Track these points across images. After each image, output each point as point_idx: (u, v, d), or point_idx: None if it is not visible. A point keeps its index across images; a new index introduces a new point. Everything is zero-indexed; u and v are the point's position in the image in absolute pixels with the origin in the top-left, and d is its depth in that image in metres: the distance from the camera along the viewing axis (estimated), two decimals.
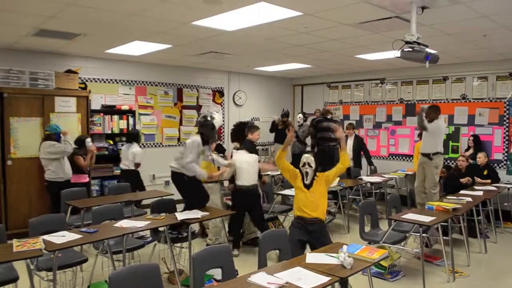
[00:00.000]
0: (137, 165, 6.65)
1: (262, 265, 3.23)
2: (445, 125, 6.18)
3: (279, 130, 8.51)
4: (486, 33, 5.18)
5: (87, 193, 5.77)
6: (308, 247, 3.93)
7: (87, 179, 6.15)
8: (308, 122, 8.36)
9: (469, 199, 5.31)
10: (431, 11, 4.13)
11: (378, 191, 7.68)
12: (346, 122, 9.36)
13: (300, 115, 8.70)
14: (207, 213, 4.50)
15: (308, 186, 3.93)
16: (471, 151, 7.14)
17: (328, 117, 7.64)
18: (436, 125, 6.01)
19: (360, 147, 8.25)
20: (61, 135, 5.71)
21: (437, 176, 6.08)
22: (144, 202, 6.27)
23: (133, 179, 6.50)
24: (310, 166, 3.92)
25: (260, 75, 9.81)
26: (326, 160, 7.53)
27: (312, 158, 3.94)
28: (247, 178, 5.34)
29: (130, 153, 6.58)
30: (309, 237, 3.87)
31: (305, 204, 3.90)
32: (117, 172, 7.04)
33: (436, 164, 6.01)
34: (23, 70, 6.04)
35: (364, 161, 8.26)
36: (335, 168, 4.02)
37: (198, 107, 8.81)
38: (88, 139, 6.08)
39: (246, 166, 5.36)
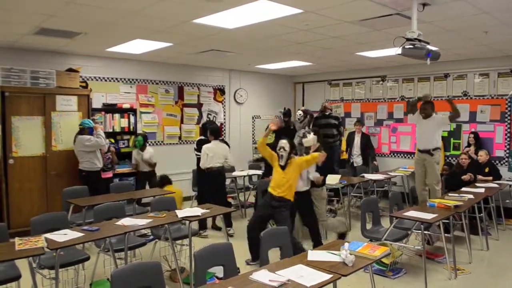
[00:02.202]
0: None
1: (263, 262, 3.24)
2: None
3: (281, 128, 8.47)
4: (487, 30, 5.16)
5: (108, 186, 6.02)
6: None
7: (110, 175, 6.70)
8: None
9: (471, 196, 5.30)
10: (432, 8, 4.12)
11: (380, 188, 7.67)
12: (347, 120, 9.40)
13: (300, 112, 8.68)
14: (207, 211, 4.51)
15: (283, 167, 4.66)
16: (472, 148, 7.14)
17: (327, 113, 7.62)
18: (434, 121, 5.95)
19: (366, 145, 8.28)
20: (96, 125, 6.20)
21: (438, 172, 6.01)
22: (146, 200, 6.28)
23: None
24: (285, 150, 4.65)
25: (261, 73, 9.80)
26: (326, 157, 7.55)
27: (288, 144, 4.65)
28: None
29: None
30: (271, 212, 4.67)
31: (278, 183, 4.66)
32: (119, 170, 7.10)
33: (437, 160, 5.94)
34: (24, 69, 6.04)
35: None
36: (306, 157, 4.73)
37: (199, 105, 8.80)
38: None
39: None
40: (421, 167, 6.06)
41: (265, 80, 10.01)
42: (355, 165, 8.33)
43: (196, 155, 6.35)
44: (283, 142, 4.68)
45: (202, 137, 6.49)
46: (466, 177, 6.43)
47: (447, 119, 5.89)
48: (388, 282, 4.43)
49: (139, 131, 7.65)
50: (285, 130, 8.40)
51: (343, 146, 8.70)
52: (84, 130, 6.04)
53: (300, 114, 8.55)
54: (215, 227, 6.39)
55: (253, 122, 9.85)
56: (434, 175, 5.93)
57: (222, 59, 7.57)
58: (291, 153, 4.69)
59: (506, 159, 7.18)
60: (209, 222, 6.49)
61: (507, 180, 6.66)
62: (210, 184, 6.03)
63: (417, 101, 6.02)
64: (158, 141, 8.15)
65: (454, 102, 5.95)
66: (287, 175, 4.64)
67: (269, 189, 4.76)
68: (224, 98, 9.28)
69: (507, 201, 6.63)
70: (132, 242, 4.24)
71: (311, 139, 5.15)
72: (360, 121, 8.57)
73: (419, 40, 4.00)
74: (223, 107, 9.26)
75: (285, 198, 4.65)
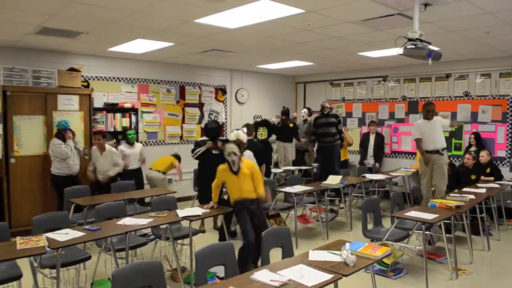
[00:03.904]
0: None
1: (264, 262, 3.24)
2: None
3: (279, 128, 8.49)
4: (489, 30, 5.15)
5: (108, 186, 5.97)
6: None
7: None
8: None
9: (472, 196, 5.30)
10: (434, 8, 4.11)
11: (381, 189, 7.67)
12: (349, 120, 9.39)
13: (305, 110, 8.69)
14: (208, 211, 4.52)
15: (236, 172, 4.41)
16: (473, 148, 7.13)
17: (326, 112, 7.62)
18: (439, 120, 5.95)
19: (379, 145, 8.28)
20: (69, 135, 5.89)
21: (447, 173, 5.96)
22: (147, 200, 6.30)
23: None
24: (235, 154, 4.37)
25: (262, 73, 9.80)
26: (325, 156, 7.56)
27: (236, 147, 4.42)
28: None
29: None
30: (251, 215, 4.39)
31: (241, 188, 4.40)
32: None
33: (446, 160, 5.92)
34: (26, 69, 6.05)
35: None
36: (260, 179, 4.52)
37: (200, 105, 8.81)
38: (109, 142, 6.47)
39: None
40: (430, 167, 5.98)
41: (266, 80, 10.01)
42: (368, 166, 8.30)
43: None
44: (232, 147, 4.40)
45: (204, 138, 6.48)
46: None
47: (444, 121, 5.97)
48: (389, 282, 4.43)
49: (140, 130, 7.65)
50: (284, 128, 8.43)
51: (352, 146, 8.70)
52: (60, 132, 5.87)
53: (304, 112, 8.56)
54: (217, 228, 6.36)
55: (254, 122, 9.84)
56: (444, 176, 5.89)
57: (224, 59, 7.57)
58: (241, 156, 4.52)
59: (508, 159, 7.17)
60: (209, 223, 6.46)
61: (509, 181, 6.65)
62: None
63: None
64: (160, 141, 8.16)
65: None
66: (244, 177, 4.41)
67: (235, 196, 4.43)
68: (226, 98, 9.29)
69: (508, 201, 6.64)
70: (133, 242, 4.25)
71: (232, 134, 5.49)
72: (373, 122, 8.54)
73: (421, 40, 4.00)
74: (224, 107, 9.26)
75: (258, 197, 4.46)
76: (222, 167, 4.53)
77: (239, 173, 4.41)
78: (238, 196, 4.43)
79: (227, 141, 6.36)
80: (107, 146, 6.21)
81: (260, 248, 4.42)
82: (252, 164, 4.60)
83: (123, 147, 6.72)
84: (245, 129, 6.21)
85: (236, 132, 5.59)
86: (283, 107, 8.79)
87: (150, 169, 6.92)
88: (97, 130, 6.66)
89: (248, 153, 5.67)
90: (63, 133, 5.86)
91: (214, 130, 6.21)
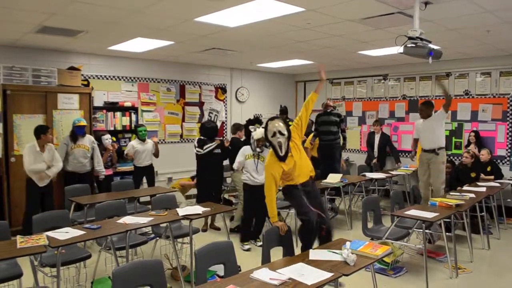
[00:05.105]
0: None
1: (265, 261, 3.24)
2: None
3: None
4: (489, 29, 5.15)
5: (108, 185, 6.02)
6: None
7: (110, 172, 6.57)
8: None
9: (472, 195, 5.30)
10: (434, 6, 4.11)
11: (381, 187, 7.66)
12: (349, 119, 9.39)
13: None
14: (208, 209, 4.52)
15: (283, 158, 3.51)
16: (472, 146, 7.13)
17: (328, 110, 7.62)
18: (436, 115, 5.94)
19: (385, 144, 8.26)
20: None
21: (444, 172, 5.95)
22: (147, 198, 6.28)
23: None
24: (282, 134, 3.48)
25: (262, 72, 9.80)
26: (326, 154, 7.56)
27: (282, 124, 3.49)
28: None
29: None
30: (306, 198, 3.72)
31: (300, 172, 3.69)
32: (120, 168, 7.04)
33: (442, 159, 5.93)
34: (26, 67, 6.05)
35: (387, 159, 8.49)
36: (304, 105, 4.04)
37: (200, 104, 8.81)
38: (105, 136, 6.46)
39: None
40: (425, 167, 6.02)
41: (266, 79, 10.00)
42: (372, 165, 8.28)
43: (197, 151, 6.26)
44: (276, 124, 3.49)
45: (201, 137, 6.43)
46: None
47: (441, 110, 5.83)
48: (389, 281, 4.43)
49: None
50: None
51: (352, 145, 8.65)
52: (73, 130, 5.91)
53: None
54: (214, 228, 6.37)
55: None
56: (440, 175, 5.88)
57: (224, 57, 7.57)
58: (290, 137, 3.61)
59: (508, 158, 7.17)
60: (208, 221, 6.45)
61: (509, 179, 6.65)
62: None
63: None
64: (160, 140, 8.14)
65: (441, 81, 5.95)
66: (297, 157, 3.65)
67: (292, 182, 3.71)
68: (226, 97, 9.28)
69: (509, 200, 6.64)
70: (133, 240, 4.25)
71: (259, 132, 5.36)
72: (377, 121, 8.49)
73: (421, 39, 3.99)
74: (224, 106, 9.26)
75: (311, 178, 3.83)
76: (269, 160, 3.60)
77: (286, 159, 3.53)
78: (295, 181, 3.68)
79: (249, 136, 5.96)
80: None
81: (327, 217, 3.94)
82: (294, 133, 3.72)
83: (135, 143, 6.63)
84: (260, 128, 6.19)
85: (260, 130, 5.31)
86: (281, 105, 8.79)
87: None
88: (45, 125, 5.70)
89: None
90: (74, 130, 5.92)
91: (212, 129, 6.19)
